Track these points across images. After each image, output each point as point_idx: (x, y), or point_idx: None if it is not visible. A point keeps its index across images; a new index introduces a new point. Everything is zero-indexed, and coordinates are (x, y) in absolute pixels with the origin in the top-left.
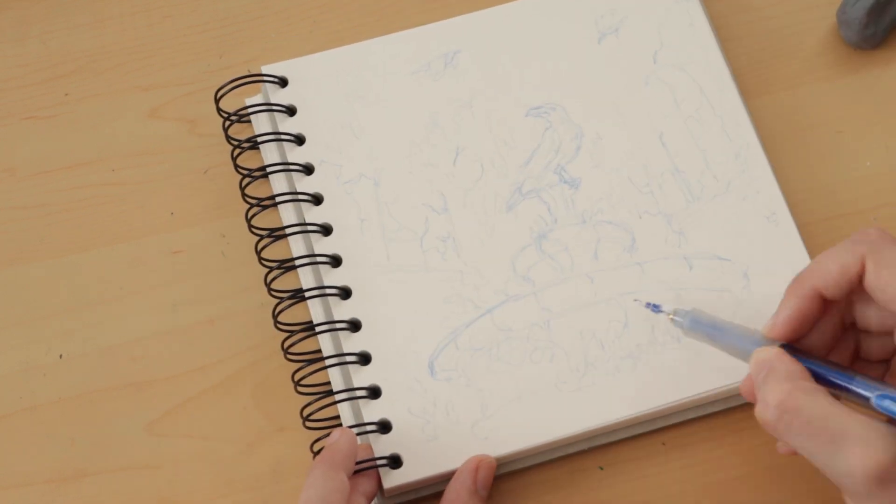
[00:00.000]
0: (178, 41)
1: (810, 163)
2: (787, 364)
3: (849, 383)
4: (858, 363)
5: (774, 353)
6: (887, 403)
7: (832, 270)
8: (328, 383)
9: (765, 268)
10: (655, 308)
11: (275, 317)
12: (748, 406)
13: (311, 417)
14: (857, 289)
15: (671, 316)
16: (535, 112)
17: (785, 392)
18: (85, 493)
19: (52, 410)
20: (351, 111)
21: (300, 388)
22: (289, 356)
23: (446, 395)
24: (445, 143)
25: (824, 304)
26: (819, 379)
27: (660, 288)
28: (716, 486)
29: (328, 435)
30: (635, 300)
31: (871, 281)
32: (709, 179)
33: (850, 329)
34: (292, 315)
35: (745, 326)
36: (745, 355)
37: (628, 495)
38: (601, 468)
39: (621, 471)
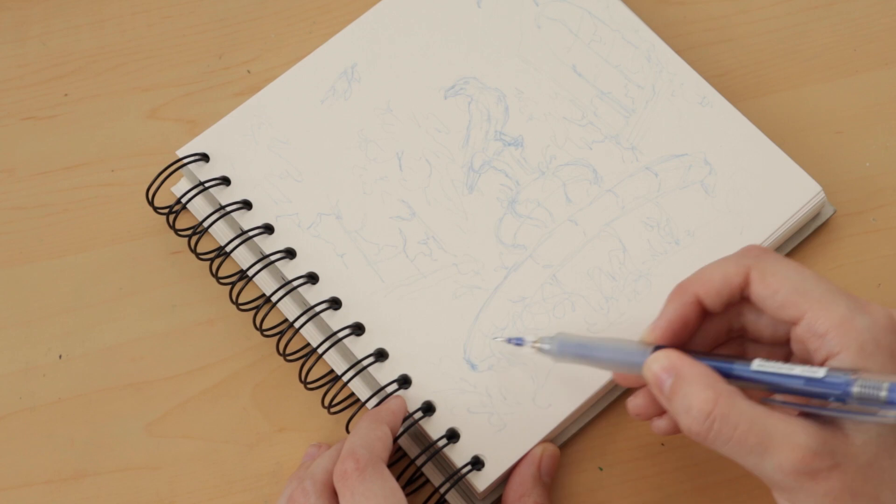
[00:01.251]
0: (177, 41)
1: (810, 163)
2: (697, 367)
3: (752, 374)
4: None
5: (677, 357)
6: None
7: (715, 279)
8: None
9: (719, 147)
10: (518, 342)
11: (304, 381)
12: None
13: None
14: (743, 301)
15: (536, 345)
16: (452, 91)
17: (711, 400)
18: (85, 494)
19: (52, 410)
20: (281, 160)
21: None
22: (331, 409)
23: (496, 381)
24: (384, 154)
25: (704, 313)
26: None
27: (637, 204)
28: (715, 486)
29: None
30: (495, 338)
31: (757, 291)
32: (634, 90)
33: (736, 339)
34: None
35: (616, 338)
36: (628, 366)
37: (628, 495)
38: (601, 468)
39: (621, 471)
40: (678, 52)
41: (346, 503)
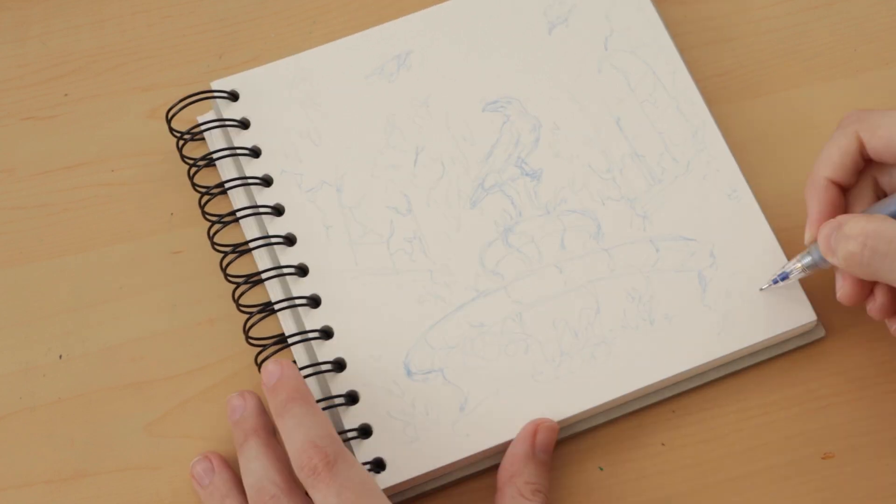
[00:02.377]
0: (177, 41)
1: (810, 163)
2: (854, 216)
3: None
4: None
5: (839, 217)
6: None
7: (833, 155)
8: None
9: (730, 245)
10: (783, 277)
11: (246, 332)
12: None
13: None
14: (870, 164)
15: (802, 268)
16: (492, 106)
17: (862, 222)
18: (84, 494)
19: (52, 410)
20: (307, 119)
21: None
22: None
23: (424, 395)
24: (405, 145)
25: (843, 190)
26: None
27: (628, 272)
28: (716, 487)
29: None
30: (762, 289)
31: (873, 146)
32: (668, 161)
33: None
34: (264, 328)
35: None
36: (821, 265)
37: (628, 495)
38: (601, 468)
39: (621, 471)
40: (678, 51)
41: (323, 500)
